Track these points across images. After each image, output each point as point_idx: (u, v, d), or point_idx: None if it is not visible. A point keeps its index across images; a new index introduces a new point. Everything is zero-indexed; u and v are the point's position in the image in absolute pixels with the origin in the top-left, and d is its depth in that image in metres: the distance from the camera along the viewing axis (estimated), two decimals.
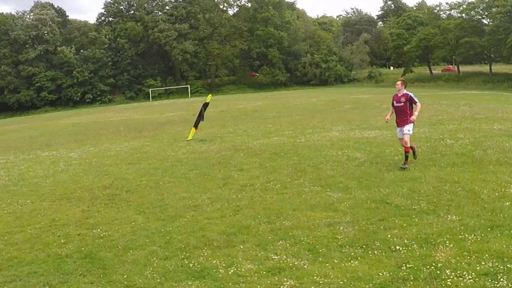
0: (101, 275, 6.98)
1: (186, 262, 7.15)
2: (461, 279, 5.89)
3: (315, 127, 23.46)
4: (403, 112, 12.33)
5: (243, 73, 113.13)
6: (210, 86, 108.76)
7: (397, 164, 12.85)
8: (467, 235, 7.17)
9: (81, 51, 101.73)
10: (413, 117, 12.08)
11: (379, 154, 14.56)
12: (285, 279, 6.32)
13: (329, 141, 18.10)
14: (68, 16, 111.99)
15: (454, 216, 8.10)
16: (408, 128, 12.22)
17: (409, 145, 12.25)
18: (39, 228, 9.59)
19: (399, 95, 12.42)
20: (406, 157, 12.32)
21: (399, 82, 12.60)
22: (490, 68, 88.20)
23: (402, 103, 12.27)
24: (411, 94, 12.29)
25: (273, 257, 7.07)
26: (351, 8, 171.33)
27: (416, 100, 12.18)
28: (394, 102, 12.55)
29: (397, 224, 7.97)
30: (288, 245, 7.48)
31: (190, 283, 6.48)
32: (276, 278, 6.38)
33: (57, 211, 10.83)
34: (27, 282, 6.95)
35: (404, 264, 6.40)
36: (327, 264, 6.68)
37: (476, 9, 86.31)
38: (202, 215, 9.49)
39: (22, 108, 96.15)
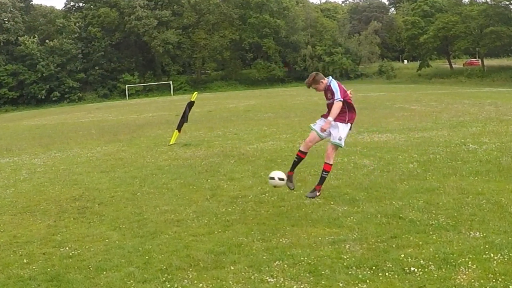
0: None
1: (168, 285, 7.13)
2: None
3: None
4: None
5: (234, 67, 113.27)
6: (195, 82, 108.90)
7: (412, 172, 12.87)
8: (492, 255, 7.18)
9: (47, 41, 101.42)
10: (325, 124, 9.95)
11: (391, 161, 14.59)
12: None
13: None
14: (32, 1, 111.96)
15: (478, 233, 8.11)
16: (339, 135, 10.02)
17: (331, 161, 10.15)
18: None
19: (325, 89, 10.21)
20: (321, 179, 10.29)
21: (309, 87, 10.42)
22: None
23: (331, 99, 10.03)
24: (330, 83, 10.10)
25: (269, 280, 7.07)
26: None
27: (339, 94, 9.93)
28: (326, 98, 10.42)
29: (412, 242, 7.98)
30: (286, 266, 7.47)
31: None
32: None
33: (19, 226, 10.78)
34: None
35: None
36: None
37: None
38: (186, 232, 9.48)
39: None
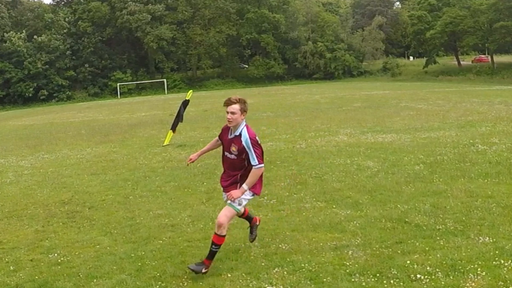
0: None
1: None
2: None
3: (318, 129, 23.51)
4: (234, 166, 8.01)
5: (231, 64, 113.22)
6: (190, 80, 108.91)
7: (418, 174, 12.88)
8: (502, 261, 7.19)
9: (35, 37, 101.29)
10: (237, 192, 7.70)
11: (396, 163, 14.60)
12: None
13: (336, 147, 18.13)
14: None
15: (487, 238, 8.12)
16: (238, 200, 7.80)
17: (224, 232, 7.68)
18: None
19: (230, 136, 7.95)
20: (211, 254, 7.77)
21: (231, 104, 7.75)
22: None
23: (234, 156, 7.89)
24: (249, 138, 7.68)
25: (268, 287, 7.07)
26: None
27: (255, 157, 7.65)
28: (223, 148, 8.20)
29: (418, 247, 7.99)
30: (285, 273, 7.47)
31: None
32: None
33: (5, 231, 10.77)
34: None
35: None
36: None
37: None
38: (181, 237, 9.48)
39: None
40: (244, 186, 7.70)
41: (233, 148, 7.82)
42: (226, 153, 8.05)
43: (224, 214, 7.70)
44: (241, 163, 7.87)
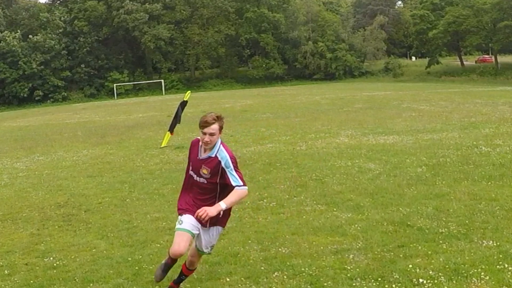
0: None
1: None
2: None
3: (318, 131, 23.52)
4: (203, 191, 6.87)
5: (230, 64, 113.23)
6: (189, 81, 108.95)
7: (421, 177, 12.88)
8: (506, 265, 7.19)
9: (30, 36, 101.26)
10: (212, 210, 6.47)
11: (398, 165, 14.60)
12: None
13: (336, 149, 18.14)
14: None
15: (491, 242, 8.12)
16: (212, 243, 7.07)
17: (195, 266, 7.28)
18: None
19: (200, 155, 6.84)
20: (179, 281, 7.31)
21: (210, 125, 6.61)
22: None
23: (204, 179, 6.79)
24: (230, 157, 6.70)
25: None
26: None
27: (237, 178, 6.64)
28: (190, 168, 7.00)
29: (421, 251, 7.99)
30: (285, 277, 7.47)
31: None
32: None
33: (0, 235, 10.81)
34: None
35: None
36: None
37: None
38: None
39: None
40: (222, 204, 6.52)
41: (204, 171, 6.69)
42: (193, 174, 6.85)
43: (196, 255, 7.06)
44: (212, 188, 6.76)
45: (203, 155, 6.73)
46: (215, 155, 6.62)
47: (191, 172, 6.87)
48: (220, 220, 6.85)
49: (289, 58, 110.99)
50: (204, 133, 6.56)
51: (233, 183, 6.53)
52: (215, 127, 6.54)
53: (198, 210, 6.45)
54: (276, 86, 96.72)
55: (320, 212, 10.51)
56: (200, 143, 6.76)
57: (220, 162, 6.58)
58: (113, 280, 7.85)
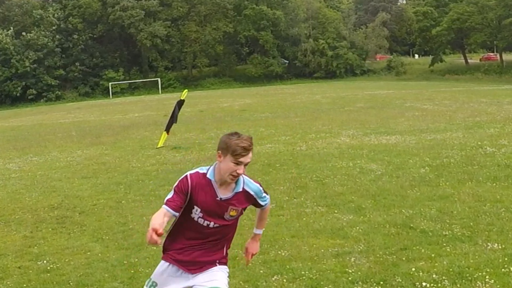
0: None
1: None
2: None
3: (319, 131, 23.53)
4: (218, 236, 5.24)
5: (228, 62, 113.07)
6: (186, 79, 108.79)
7: (424, 178, 12.88)
8: None
9: (23, 34, 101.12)
10: (257, 246, 5.71)
11: (401, 166, 14.61)
12: None
13: (337, 149, 18.15)
14: None
15: (496, 244, 8.13)
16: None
17: None
18: None
19: (223, 195, 5.06)
20: None
21: (250, 151, 4.96)
22: None
23: (227, 222, 5.17)
24: (259, 185, 5.29)
25: None
26: None
27: (265, 197, 5.35)
28: (199, 215, 5.11)
29: (424, 254, 8.00)
30: (285, 281, 7.48)
31: None
32: None
33: None
34: None
35: None
36: None
37: None
38: None
39: None
40: (259, 231, 5.64)
41: (233, 213, 5.12)
42: (203, 222, 5.10)
43: None
44: (233, 228, 5.36)
45: (224, 193, 5.04)
46: (243, 188, 5.11)
47: (198, 220, 5.11)
48: (221, 259, 5.39)
49: (289, 56, 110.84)
50: (239, 163, 4.87)
51: (262, 203, 5.35)
52: (251, 154, 4.98)
53: (249, 255, 5.62)
54: (276, 85, 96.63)
55: (320, 214, 10.52)
56: (220, 178, 5.00)
57: (251, 196, 5.18)
58: (108, 284, 7.85)
